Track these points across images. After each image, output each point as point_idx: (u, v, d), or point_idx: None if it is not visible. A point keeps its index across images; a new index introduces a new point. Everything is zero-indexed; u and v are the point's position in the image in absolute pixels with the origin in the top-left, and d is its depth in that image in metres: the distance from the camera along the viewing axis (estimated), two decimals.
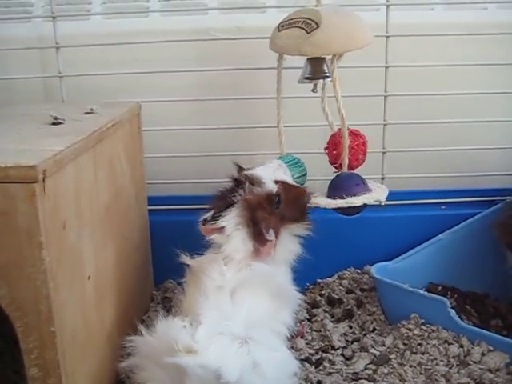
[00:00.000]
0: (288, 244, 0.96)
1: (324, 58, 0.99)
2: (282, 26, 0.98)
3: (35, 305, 0.72)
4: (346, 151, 0.97)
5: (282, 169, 0.99)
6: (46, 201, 0.70)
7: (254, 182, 0.93)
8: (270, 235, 0.90)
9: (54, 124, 0.91)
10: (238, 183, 0.94)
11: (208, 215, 0.93)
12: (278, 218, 0.93)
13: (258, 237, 0.90)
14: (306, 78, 1.00)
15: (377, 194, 0.99)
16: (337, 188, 0.98)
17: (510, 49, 1.24)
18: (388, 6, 1.18)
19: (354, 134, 1.00)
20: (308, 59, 0.99)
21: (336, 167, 1.01)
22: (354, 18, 0.97)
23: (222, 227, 0.90)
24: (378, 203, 1.23)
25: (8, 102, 1.26)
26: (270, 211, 0.92)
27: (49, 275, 0.72)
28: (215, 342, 0.78)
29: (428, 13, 1.28)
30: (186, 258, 0.92)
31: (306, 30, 0.94)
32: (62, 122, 0.92)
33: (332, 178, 1.00)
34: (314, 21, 0.93)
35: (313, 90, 1.02)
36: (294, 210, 0.95)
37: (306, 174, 1.03)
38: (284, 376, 0.85)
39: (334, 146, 1.00)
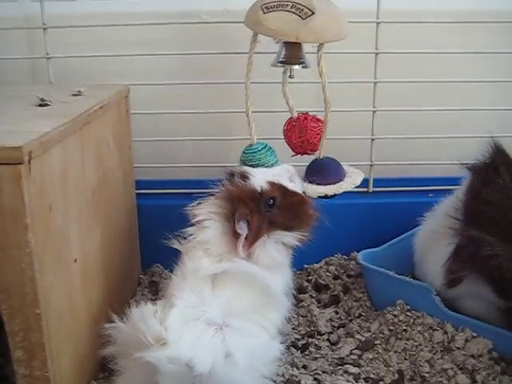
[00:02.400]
0: (271, 250, 0.90)
1: (300, 44, 0.97)
2: (267, 8, 0.96)
3: (20, 287, 0.72)
4: (324, 136, 0.98)
5: (287, 174, 0.94)
6: (31, 182, 0.70)
7: (243, 176, 0.90)
8: (241, 228, 0.86)
9: (40, 106, 0.90)
10: (230, 176, 0.92)
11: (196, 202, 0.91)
12: (266, 220, 0.89)
13: (233, 230, 0.87)
14: (281, 62, 0.99)
15: (356, 178, 0.99)
16: (323, 173, 0.97)
17: (500, 37, 1.24)
18: None
19: (317, 120, 1.01)
20: (284, 43, 0.98)
21: (299, 153, 1.02)
22: (337, 7, 0.96)
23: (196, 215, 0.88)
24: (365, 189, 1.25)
25: None
26: (255, 209, 0.88)
27: (34, 257, 0.71)
28: (187, 329, 0.77)
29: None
30: (175, 243, 0.90)
31: (300, 16, 0.92)
32: (49, 103, 0.91)
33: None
34: (305, 6, 0.92)
35: (290, 76, 1.01)
36: (288, 217, 0.90)
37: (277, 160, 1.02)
38: (261, 363, 0.83)
39: (300, 133, 1.00)
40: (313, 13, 0.91)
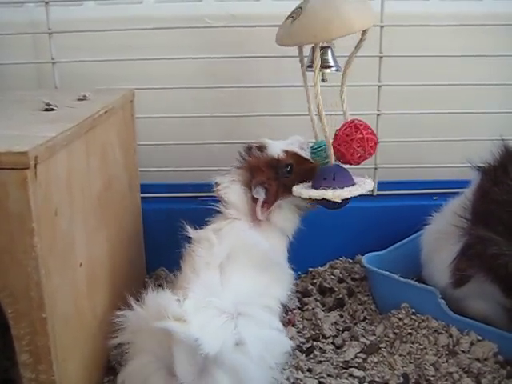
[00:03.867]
0: (287, 213, 1.00)
1: (329, 47, 0.97)
2: (288, 17, 0.95)
3: (26, 291, 0.72)
4: (330, 145, 0.94)
5: (297, 143, 1.02)
6: (37, 187, 0.70)
7: (261, 148, 0.99)
8: (258, 193, 0.95)
9: (46, 110, 0.91)
10: (248, 150, 1.01)
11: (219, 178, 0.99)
12: (281, 185, 0.97)
13: (252, 196, 0.95)
14: (309, 67, 0.98)
15: (369, 183, 0.97)
16: (344, 178, 0.94)
17: (504, 40, 1.24)
18: None
19: (355, 127, 0.95)
20: (312, 48, 0.95)
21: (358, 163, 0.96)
22: (338, 5, 0.91)
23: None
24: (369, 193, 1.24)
25: (0, 87, 1.25)
26: (272, 176, 0.97)
27: (40, 261, 0.71)
28: (201, 313, 0.79)
29: (423, 3, 1.28)
30: (189, 230, 0.95)
31: (293, 18, 0.92)
32: (55, 108, 0.91)
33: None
34: (301, 8, 0.92)
35: (323, 80, 0.98)
36: (301, 182, 0.97)
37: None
38: (271, 355, 0.84)
39: (359, 143, 0.94)
40: (299, 15, 0.91)
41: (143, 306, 0.82)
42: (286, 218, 1.00)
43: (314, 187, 0.94)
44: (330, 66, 0.98)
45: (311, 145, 1.02)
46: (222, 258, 0.89)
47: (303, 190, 0.94)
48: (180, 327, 0.75)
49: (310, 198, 0.94)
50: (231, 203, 0.97)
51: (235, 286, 0.86)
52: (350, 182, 0.95)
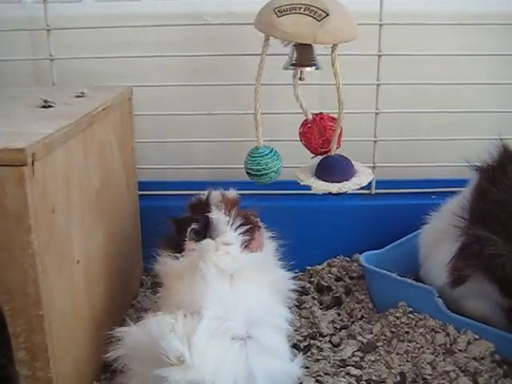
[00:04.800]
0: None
1: (311, 46, 0.96)
2: (280, 12, 0.94)
3: (23, 288, 0.72)
4: (337, 134, 0.98)
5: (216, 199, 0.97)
6: (35, 184, 0.70)
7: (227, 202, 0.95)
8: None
9: (44, 107, 0.91)
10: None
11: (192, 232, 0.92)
12: None
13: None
14: (293, 65, 0.97)
15: (363, 178, 0.99)
16: (330, 170, 0.97)
17: (503, 39, 1.24)
18: None
19: (333, 118, 1.00)
20: (296, 45, 0.96)
21: (320, 153, 1.01)
22: (347, 9, 0.95)
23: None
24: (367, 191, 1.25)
25: None
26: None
27: (37, 259, 0.71)
28: (212, 348, 0.75)
29: (422, 1, 1.28)
30: (191, 244, 0.90)
31: (315, 18, 0.92)
32: (53, 105, 0.91)
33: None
34: (319, 8, 0.92)
35: (300, 78, 1.00)
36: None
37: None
38: None
39: (319, 133, 1.00)
40: (327, 14, 0.91)
41: (142, 331, 0.78)
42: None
43: (322, 178, 0.97)
44: (314, 65, 0.97)
45: (251, 150, 0.99)
46: (234, 270, 0.86)
47: (315, 183, 0.97)
48: (184, 375, 0.72)
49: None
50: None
51: (247, 302, 0.83)
52: (353, 172, 0.98)
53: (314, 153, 1.02)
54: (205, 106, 1.23)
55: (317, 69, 0.97)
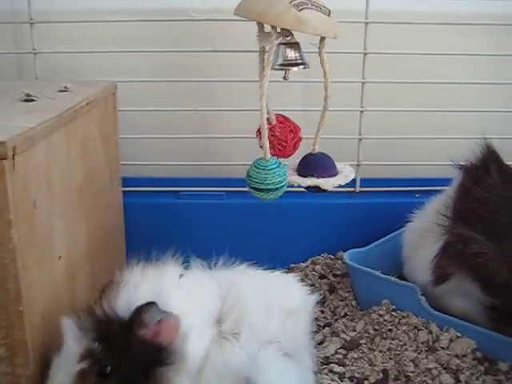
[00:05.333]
0: None
1: (299, 43, 0.94)
2: (297, 6, 0.88)
3: (3, 283, 0.71)
4: (319, 131, 0.98)
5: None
6: (15, 178, 0.69)
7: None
8: None
9: (26, 101, 0.90)
10: None
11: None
12: None
13: None
14: (281, 65, 0.93)
15: (349, 173, 1.00)
16: (319, 167, 0.98)
17: (487, 39, 1.25)
18: None
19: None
20: (284, 44, 0.92)
21: (291, 154, 1.01)
22: None
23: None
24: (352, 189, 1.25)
25: None
26: None
27: (17, 254, 0.70)
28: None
29: (408, 1, 1.29)
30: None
31: (324, 13, 0.91)
32: (35, 99, 0.90)
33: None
34: (320, 4, 0.91)
35: (284, 78, 0.96)
36: None
37: None
38: None
39: (292, 133, 1.00)
40: (329, 10, 0.91)
41: None
42: None
43: (304, 175, 0.97)
44: (303, 64, 0.93)
45: (258, 163, 0.92)
46: None
47: (299, 179, 0.96)
48: None
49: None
50: None
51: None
52: (336, 171, 0.98)
53: (284, 155, 1.00)
54: (189, 102, 1.22)
55: (305, 68, 0.94)
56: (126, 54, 1.19)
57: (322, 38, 0.94)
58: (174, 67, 1.24)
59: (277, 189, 0.91)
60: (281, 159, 0.95)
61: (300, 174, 0.98)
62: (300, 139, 1.00)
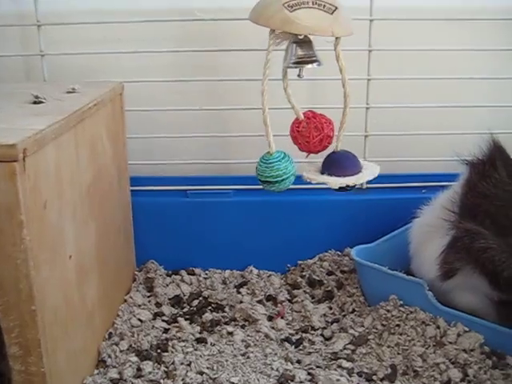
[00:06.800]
0: None
1: (311, 41, 0.94)
2: (290, 6, 0.90)
3: (15, 283, 0.72)
4: (343, 129, 0.99)
5: None
6: (26, 180, 0.70)
7: None
8: None
9: (35, 103, 0.91)
10: None
11: None
12: None
13: None
14: (295, 63, 0.94)
15: (374, 169, 1.00)
16: (342, 165, 0.97)
17: (494, 34, 1.25)
18: None
19: (322, 114, 1.00)
20: (295, 42, 0.94)
21: (318, 151, 1.00)
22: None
23: None
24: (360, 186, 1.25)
25: None
26: None
27: (29, 254, 0.72)
28: None
29: None
30: None
31: (326, 12, 0.91)
32: (43, 101, 0.91)
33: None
34: (327, 2, 0.91)
35: (299, 75, 0.96)
36: None
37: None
38: None
39: (316, 130, 0.98)
40: (336, 7, 0.91)
41: None
42: None
43: (334, 174, 0.97)
44: (316, 61, 0.94)
45: (263, 157, 0.94)
46: None
47: (330, 180, 0.96)
48: None
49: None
50: None
51: None
52: (361, 165, 0.99)
53: (310, 151, 1.00)
54: (196, 102, 1.23)
55: (318, 65, 0.95)
56: (132, 54, 1.20)
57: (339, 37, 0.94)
58: (180, 66, 1.24)
59: (277, 181, 0.93)
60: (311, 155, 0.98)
61: (327, 173, 0.97)
62: (328, 136, 0.98)
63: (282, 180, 0.94)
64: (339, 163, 0.98)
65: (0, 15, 1.22)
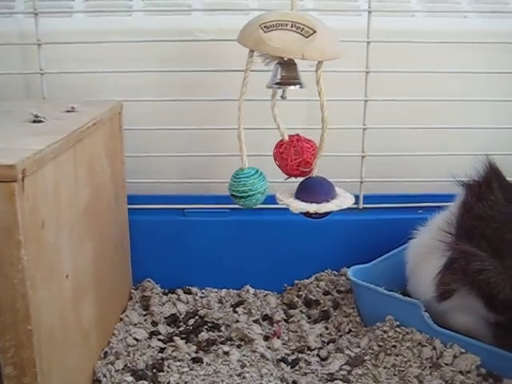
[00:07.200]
0: None
1: (295, 64, 0.97)
2: (266, 27, 0.94)
3: (12, 303, 0.72)
4: (319, 155, 0.97)
5: None
6: (25, 200, 0.70)
7: None
8: None
9: (34, 122, 0.91)
10: None
11: None
12: None
13: None
14: (277, 84, 0.97)
15: (344, 201, 0.98)
16: (310, 191, 0.97)
17: (489, 56, 1.26)
18: (370, 12, 1.19)
19: (309, 140, 1.00)
20: (280, 64, 0.96)
21: (295, 175, 1.00)
22: (331, 28, 0.97)
23: None
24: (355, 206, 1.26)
25: None
26: None
27: (27, 274, 0.71)
28: None
29: (409, 19, 1.30)
30: None
31: (302, 35, 0.92)
32: (43, 120, 0.91)
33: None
34: (306, 25, 0.92)
35: (282, 97, 0.99)
36: None
37: None
38: None
39: (295, 154, 0.99)
40: (314, 31, 0.92)
41: None
42: None
43: (300, 199, 0.96)
44: (299, 83, 0.97)
45: (235, 172, 0.97)
46: None
47: (293, 203, 0.95)
48: None
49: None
50: None
51: None
52: (334, 195, 0.97)
53: (288, 174, 1.01)
54: (194, 121, 1.24)
55: (301, 87, 0.97)
56: (131, 73, 1.21)
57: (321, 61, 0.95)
58: (178, 86, 1.25)
59: (242, 197, 0.96)
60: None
61: (297, 197, 0.97)
62: (306, 162, 0.98)
63: (248, 196, 0.96)
64: (308, 189, 0.97)
65: (1, 33, 1.23)
